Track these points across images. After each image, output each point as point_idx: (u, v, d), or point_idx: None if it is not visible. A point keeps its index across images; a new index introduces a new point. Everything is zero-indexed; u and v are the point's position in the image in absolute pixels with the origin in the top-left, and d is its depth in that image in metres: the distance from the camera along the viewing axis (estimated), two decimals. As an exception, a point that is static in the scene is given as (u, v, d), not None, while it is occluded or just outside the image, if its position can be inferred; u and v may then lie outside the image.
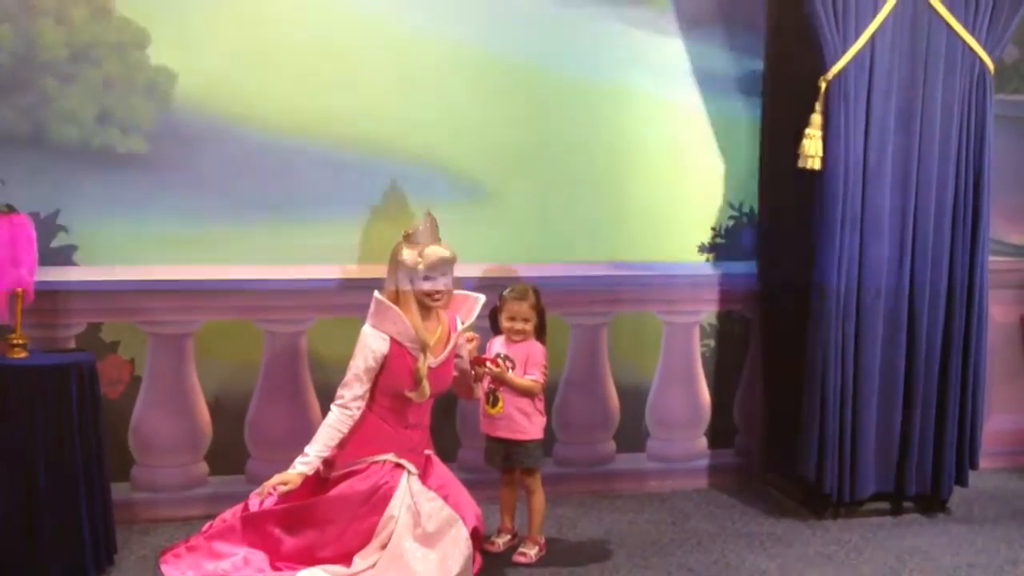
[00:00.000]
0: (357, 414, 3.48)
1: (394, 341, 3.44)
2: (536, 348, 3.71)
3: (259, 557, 3.49)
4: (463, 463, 4.22)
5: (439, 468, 3.63)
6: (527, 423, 3.68)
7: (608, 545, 3.89)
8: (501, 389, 3.66)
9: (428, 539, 3.44)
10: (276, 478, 3.40)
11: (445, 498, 3.51)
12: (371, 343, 3.44)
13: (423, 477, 3.54)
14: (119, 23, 3.80)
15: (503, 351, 3.71)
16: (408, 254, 3.47)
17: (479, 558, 3.59)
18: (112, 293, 3.87)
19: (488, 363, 3.61)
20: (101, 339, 3.88)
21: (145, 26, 3.82)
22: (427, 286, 3.49)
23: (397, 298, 3.48)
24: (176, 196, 3.90)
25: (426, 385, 3.47)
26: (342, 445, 3.51)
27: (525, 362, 3.68)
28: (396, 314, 3.45)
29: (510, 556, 3.75)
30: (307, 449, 3.43)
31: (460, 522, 3.46)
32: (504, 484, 3.84)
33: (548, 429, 3.90)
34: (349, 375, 3.47)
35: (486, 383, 3.69)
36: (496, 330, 3.80)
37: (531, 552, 3.73)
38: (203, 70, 3.87)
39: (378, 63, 4.06)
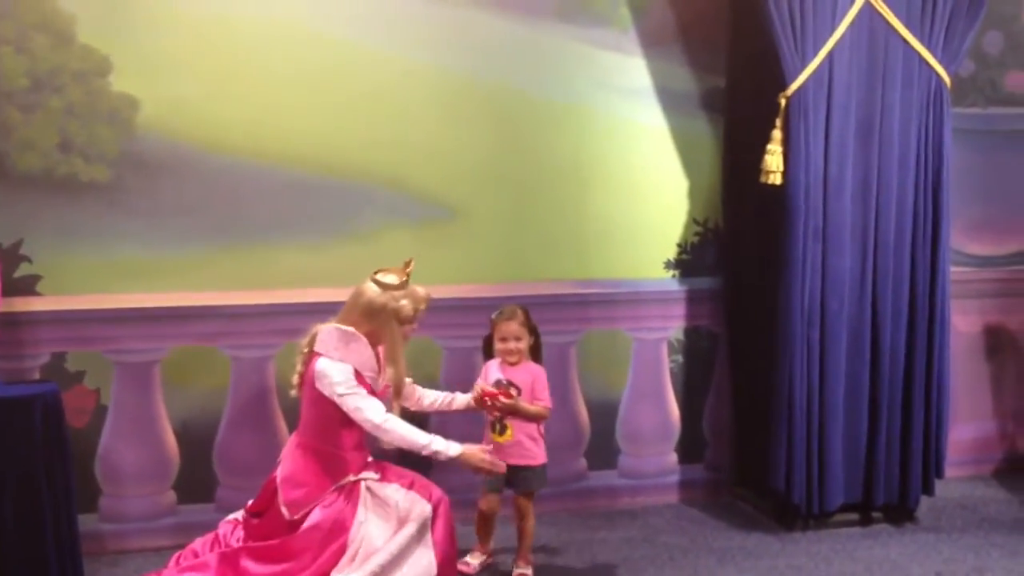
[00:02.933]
0: (379, 402, 3.46)
1: (356, 372, 3.45)
2: (538, 372, 3.72)
3: None
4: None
5: (393, 467, 3.66)
6: (536, 448, 3.71)
7: (580, 562, 3.90)
8: (508, 417, 3.64)
9: (397, 521, 3.48)
10: (482, 462, 3.41)
11: (407, 486, 3.54)
12: (340, 372, 3.40)
13: (381, 479, 3.56)
14: (80, 51, 3.78)
15: (502, 377, 3.69)
16: (408, 303, 3.46)
17: (448, 529, 3.59)
18: (77, 322, 3.84)
19: (501, 397, 3.58)
20: (66, 369, 3.86)
21: (107, 54, 3.80)
22: (408, 330, 3.54)
23: (371, 340, 3.49)
24: (140, 223, 3.89)
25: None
26: (301, 484, 3.50)
27: (532, 387, 3.67)
28: (364, 345, 3.46)
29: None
30: (424, 440, 3.39)
31: (423, 501, 3.52)
32: (487, 508, 3.79)
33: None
34: (349, 399, 3.40)
35: (493, 412, 3.66)
36: (488, 355, 3.80)
37: (528, 572, 3.77)
38: (165, 97, 3.86)
39: (342, 86, 4.06)
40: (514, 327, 3.69)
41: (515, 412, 3.62)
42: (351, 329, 3.47)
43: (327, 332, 3.47)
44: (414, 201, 4.17)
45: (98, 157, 3.84)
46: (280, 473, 3.55)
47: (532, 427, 3.68)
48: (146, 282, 3.90)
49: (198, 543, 3.73)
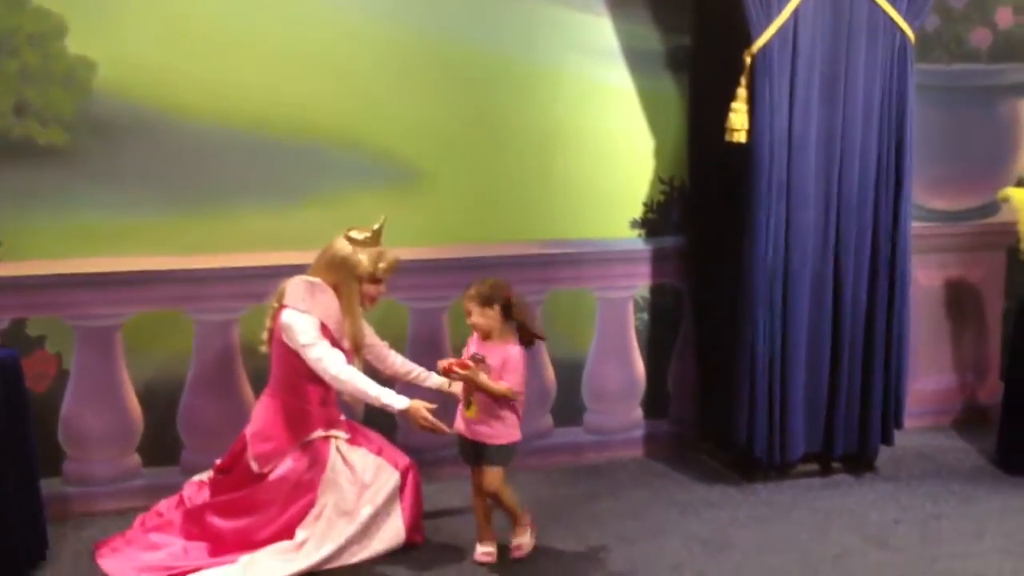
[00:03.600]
0: (341, 354, 3.47)
1: (322, 324, 3.47)
2: (513, 352, 3.49)
3: (199, 547, 3.52)
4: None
5: (364, 431, 3.72)
6: (499, 426, 3.52)
7: (545, 518, 3.95)
8: (476, 393, 3.50)
9: (365, 487, 3.55)
10: (424, 420, 3.40)
11: (376, 452, 3.62)
12: (304, 323, 3.44)
13: (351, 441, 3.62)
14: (35, 13, 3.69)
15: (477, 351, 3.54)
16: (366, 258, 3.49)
17: (416, 496, 3.67)
18: (36, 288, 3.81)
19: (455, 368, 3.45)
20: (27, 334, 3.83)
21: (62, 15, 3.72)
22: (373, 289, 3.56)
23: (335, 291, 3.52)
24: (100, 187, 3.84)
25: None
26: (269, 438, 3.54)
27: (501, 367, 3.47)
28: (331, 298, 3.50)
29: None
30: (375, 391, 3.41)
31: (391, 466, 3.61)
32: (474, 487, 3.65)
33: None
34: (310, 350, 3.42)
35: (463, 386, 3.55)
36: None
37: (524, 540, 3.65)
38: (123, 59, 3.80)
39: (304, 47, 4.00)
40: (465, 302, 3.52)
41: (476, 385, 3.48)
42: (317, 281, 3.49)
43: (294, 284, 3.51)
44: (379, 164, 4.14)
45: (55, 120, 3.78)
46: (249, 428, 3.59)
47: (498, 405, 3.50)
48: (107, 247, 3.87)
49: (162, 504, 3.78)
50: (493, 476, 3.55)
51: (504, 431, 3.54)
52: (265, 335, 3.62)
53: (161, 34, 3.84)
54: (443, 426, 3.45)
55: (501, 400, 3.49)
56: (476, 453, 3.58)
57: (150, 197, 3.90)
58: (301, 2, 3.99)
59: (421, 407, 3.41)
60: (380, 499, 3.57)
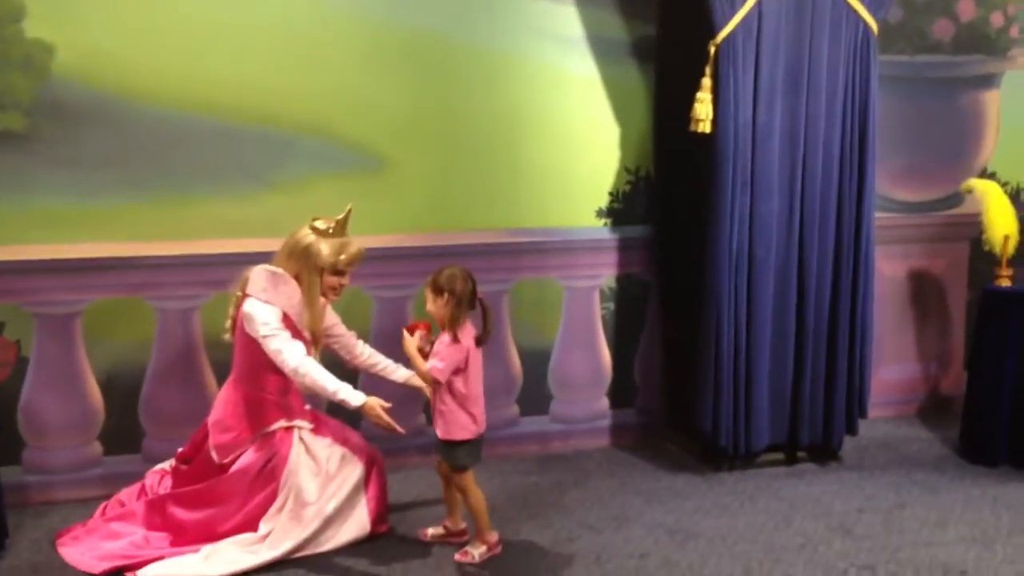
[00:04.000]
0: (302, 346, 3.42)
1: (284, 314, 3.44)
2: (450, 346, 3.38)
3: (160, 537, 3.49)
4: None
5: (328, 421, 3.68)
6: (442, 422, 3.43)
7: (511, 507, 3.95)
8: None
9: (329, 479, 3.53)
10: (378, 418, 3.34)
11: (341, 443, 3.59)
12: (265, 314, 3.40)
13: (314, 431, 3.58)
14: (-10, -4, 3.67)
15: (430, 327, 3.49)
16: (327, 248, 3.42)
17: (381, 488, 3.65)
18: (-7, 274, 3.77)
19: (412, 326, 3.46)
20: (-16, 321, 3.80)
21: (20, -1, 3.69)
22: (336, 281, 3.50)
23: (297, 281, 3.47)
24: (59, 173, 3.81)
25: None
26: (229, 429, 3.51)
27: (437, 352, 3.39)
28: (294, 289, 3.45)
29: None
30: (333, 387, 3.35)
31: (355, 458, 3.58)
32: (441, 478, 3.62)
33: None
34: (270, 341, 3.36)
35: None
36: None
37: (475, 552, 3.51)
38: (83, 43, 3.76)
39: (267, 32, 3.98)
40: (424, 288, 3.47)
41: (406, 351, 3.44)
42: (280, 271, 3.46)
43: (257, 273, 3.46)
44: (341, 151, 4.13)
45: (12, 105, 3.74)
46: (211, 417, 3.56)
47: (445, 397, 3.41)
48: (66, 233, 3.83)
49: (124, 493, 3.74)
50: (458, 476, 3.49)
51: (448, 427, 3.43)
52: (228, 323, 3.58)
53: (121, 18, 3.81)
54: (396, 426, 3.39)
55: (442, 394, 3.41)
56: (436, 445, 3.55)
57: (110, 183, 3.86)
58: (262, -11, 3.97)
59: (376, 405, 3.36)
60: (344, 491, 3.55)
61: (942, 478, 4.31)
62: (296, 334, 3.46)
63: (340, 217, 3.52)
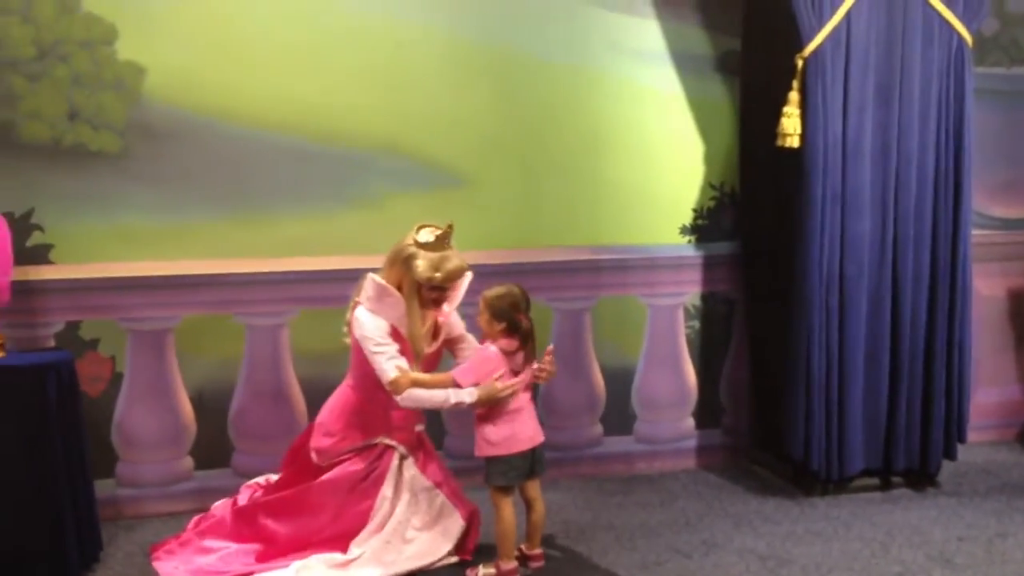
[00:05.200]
0: (404, 364, 3.35)
1: (392, 327, 3.39)
2: (483, 350, 3.42)
3: (250, 550, 3.49)
4: (449, 450, 4.25)
5: (435, 460, 3.63)
6: (479, 435, 3.41)
7: (596, 528, 3.89)
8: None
9: (423, 526, 3.49)
10: (499, 392, 3.32)
11: (440, 487, 3.54)
12: (373, 325, 3.34)
13: (420, 465, 3.55)
14: (86, 19, 3.77)
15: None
16: (424, 263, 3.33)
17: (476, 539, 3.61)
18: (89, 291, 3.86)
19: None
20: (80, 337, 3.88)
21: (112, 21, 3.80)
22: (435, 295, 3.42)
23: (399, 291, 3.40)
24: (150, 192, 3.89)
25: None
26: (332, 433, 3.50)
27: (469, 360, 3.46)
28: (397, 300, 3.38)
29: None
30: (442, 396, 3.32)
31: (457, 514, 3.54)
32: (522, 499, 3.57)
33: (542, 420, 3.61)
34: (375, 358, 3.31)
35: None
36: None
37: (483, 571, 3.46)
38: (171, 65, 3.86)
39: (348, 53, 4.03)
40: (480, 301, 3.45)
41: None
42: (383, 283, 3.38)
43: (368, 281, 3.40)
44: (421, 168, 4.14)
45: (106, 126, 3.84)
46: (318, 418, 3.56)
47: (478, 413, 3.40)
48: (155, 250, 3.91)
49: (218, 507, 3.76)
50: (491, 493, 3.44)
51: (479, 441, 3.41)
52: (345, 328, 3.50)
53: (208, 41, 3.89)
54: (518, 381, 3.35)
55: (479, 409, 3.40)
56: None
57: (197, 201, 3.94)
58: (344, 10, 4.01)
59: (489, 386, 3.31)
60: (445, 546, 3.51)
61: (1046, 506, 4.13)
62: (405, 346, 3.41)
63: (440, 232, 3.41)
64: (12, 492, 3.31)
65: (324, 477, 3.47)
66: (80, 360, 3.76)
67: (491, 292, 3.42)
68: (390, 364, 3.32)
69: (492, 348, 3.40)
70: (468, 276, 3.48)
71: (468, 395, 3.33)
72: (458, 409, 3.38)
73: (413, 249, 3.36)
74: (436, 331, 3.54)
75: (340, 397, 3.54)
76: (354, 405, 3.49)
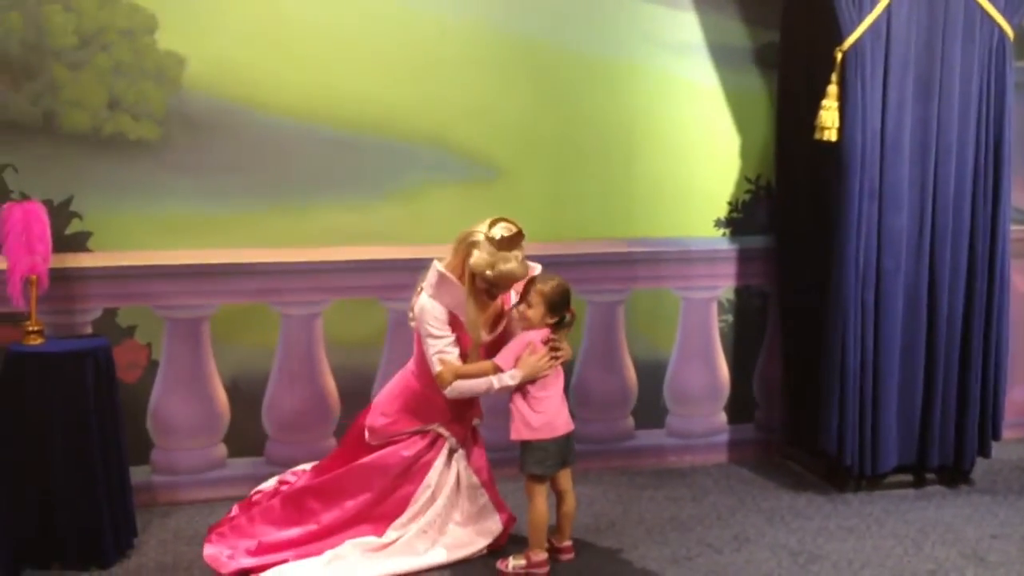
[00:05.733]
0: (456, 355, 3.36)
1: (451, 313, 3.39)
2: (525, 335, 3.42)
3: (293, 533, 3.48)
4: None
5: (484, 460, 3.63)
6: (512, 417, 3.43)
7: (627, 522, 3.88)
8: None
9: (464, 521, 3.51)
10: (541, 365, 3.36)
11: (485, 487, 3.56)
12: (431, 313, 3.34)
13: (470, 461, 3.56)
14: (127, 9, 3.79)
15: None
16: (481, 255, 3.28)
17: (502, 542, 3.62)
18: (127, 278, 3.89)
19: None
20: (117, 324, 3.91)
21: (153, 11, 3.81)
22: (485, 287, 3.37)
23: (461, 277, 3.37)
24: (189, 180, 3.90)
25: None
26: (387, 414, 3.52)
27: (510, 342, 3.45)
28: (458, 289, 3.36)
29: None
30: (486, 384, 3.34)
31: (497, 516, 3.56)
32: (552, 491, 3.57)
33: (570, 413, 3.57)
34: (429, 343, 3.32)
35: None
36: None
37: (513, 562, 3.45)
38: (211, 54, 3.86)
39: (387, 43, 4.03)
40: (533, 294, 3.42)
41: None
42: (444, 271, 3.36)
43: (431, 268, 3.40)
44: (457, 160, 4.14)
45: (146, 115, 3.85)
46: (377, 397, 3.59)
47: (513, 396, 3.41)
48: (194, 239, 3.93)
49: (272, 484, 3.78)
50: (526, 482, 3.44)
51: (518, 426, 3.41)
52: (411, 313, 3.49)
53: (248, 30, 3.90)
54: (558, 352, 3.37)
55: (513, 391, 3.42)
56: None
57: (235, 191, 3.95)
58: (385, 1, 4.01)
59: (525, 358, 3.33)
60: (481, 542, 3.53)
61: (1082, 505, 4.09)
62: (463, 335, 3.41)
63: (513, 232, 3.32)
64: (49, 477, 3.34)
65: (371, 458, 3.49)
66: (117, 347, 3.79)
67: (546, 286, 3.40)
68: (436, 358, 3.34)
69: (531, 334, 3.41)
70: (537, 268, 3.48)
71: (511, 377, 3.34)
72: (506, 392, 3.39)
73: (478, 238, 3.33)
74: (499, 317, 3.51)
75: (400, 380, 3.56)
76: (412, 389, 3.50)
